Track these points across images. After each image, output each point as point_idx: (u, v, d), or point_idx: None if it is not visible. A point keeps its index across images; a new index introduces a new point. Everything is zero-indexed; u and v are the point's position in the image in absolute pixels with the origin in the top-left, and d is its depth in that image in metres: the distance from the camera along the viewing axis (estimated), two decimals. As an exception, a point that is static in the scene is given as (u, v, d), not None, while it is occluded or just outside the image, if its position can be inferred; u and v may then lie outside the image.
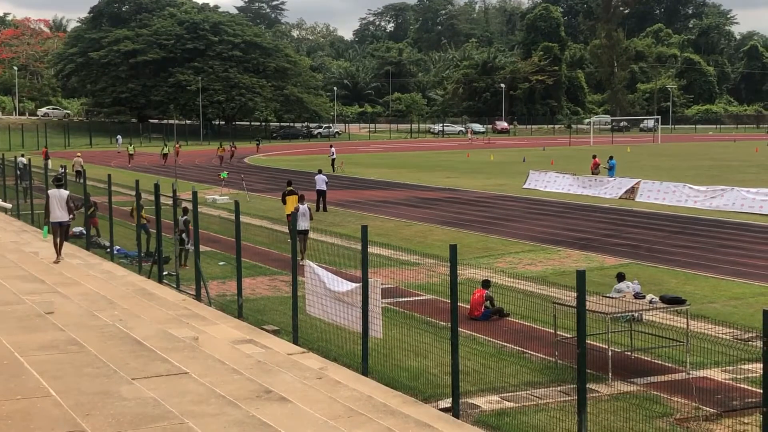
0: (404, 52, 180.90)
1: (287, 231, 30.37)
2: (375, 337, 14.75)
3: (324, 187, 39.58)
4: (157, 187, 23.58)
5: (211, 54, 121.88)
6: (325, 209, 39.24)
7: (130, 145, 77.24)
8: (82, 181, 38.79)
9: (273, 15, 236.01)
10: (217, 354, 12.51)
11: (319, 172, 41.23)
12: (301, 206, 26.82)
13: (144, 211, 26.49)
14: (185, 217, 25.41)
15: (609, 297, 16.54)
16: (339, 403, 10.81)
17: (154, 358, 11.59)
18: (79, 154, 58.47)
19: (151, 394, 9.79)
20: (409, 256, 27.57)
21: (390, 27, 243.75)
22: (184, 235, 25.39)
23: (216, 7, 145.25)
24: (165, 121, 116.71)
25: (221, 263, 25.75)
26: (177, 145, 70.38)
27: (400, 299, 21.13)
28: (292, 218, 26.70)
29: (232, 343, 14.09)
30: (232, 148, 77.55)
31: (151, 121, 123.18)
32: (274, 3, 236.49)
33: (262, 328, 17.17)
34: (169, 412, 9.22)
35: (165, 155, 70.94)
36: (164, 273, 23.05)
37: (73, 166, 52.34)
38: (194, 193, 21.43)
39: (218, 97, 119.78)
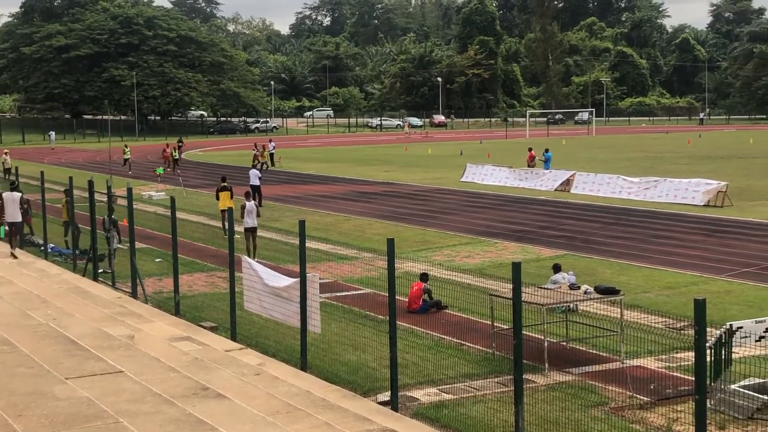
0: (341, 46, 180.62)
1: (221, 227, 30.29)
2: (313, 332, 14.72)
3: (257, 182, 39.29)
4: (90, 183, 23.25)
5: (146, 49, 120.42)
6: (260, 204, 38.99)
7: (126, 148, 63.30)
8: (9, 178, 38.18)
9: (208, 9, 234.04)
10: (153, 352, 12.40)
11: (253, 166, 41.04)
12: (247, 203, 26.48)
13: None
14: (110, 215, 24.89)
15: (545, 288, 16.70)
16: (277, 399, 10.78)
17: (89, 357, 11.45)
18: (6, 151, 57.38)
19: (86, 394, 9.67)
20: (347, 251, 27.57)
21: (327, 21, 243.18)
22: (113, 233, 24.86)
23: (150, 1, 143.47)
24: (99, 117, 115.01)
25: (157, 260, 25.50)
26: (166, 146, 64.87)
27: (339, 294, 21.12)
28: (228, 215, 26.44)
29: (169, 341, 13.96)
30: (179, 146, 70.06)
31: (85, 117, 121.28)
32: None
33: (200, 325, 17.03)
34: (103, 411, 9.11)
35: (126, 161, 61.22)
36: (99, 271, 22.76)
37: (2, 163, 51.44)
38: (129, 190, 21.18)
39: (153, 92, 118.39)
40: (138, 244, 22.45)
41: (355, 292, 21.50)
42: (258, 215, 26.64)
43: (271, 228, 31.76)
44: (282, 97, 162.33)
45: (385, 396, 13.23)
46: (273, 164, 63.32)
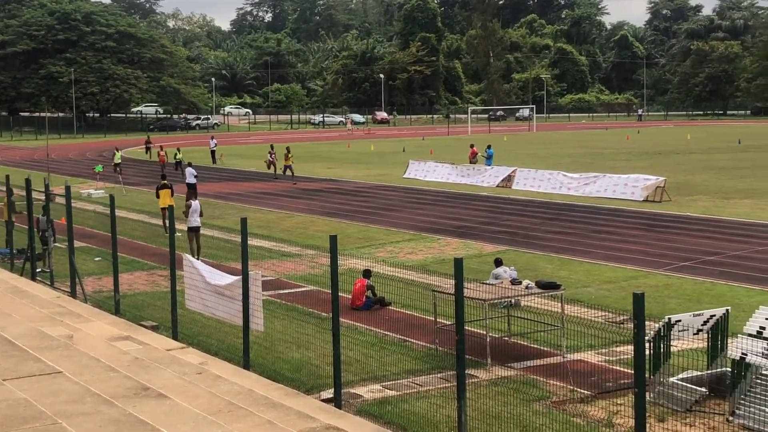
0: (283, 42, 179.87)
1: (162, 225, 30.03)
2: (256, 330, 14.64)
3: (193, 181, 38.94)
4: (28, 182, 22.90)
5: (84, 45, 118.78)
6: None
7: (117, 153, 56.18)
8: None
9: (147, 5, 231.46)
10: (92, 352, 12.23)
11: (189, 165, 40.71)
12: (192, 202, 26.10)
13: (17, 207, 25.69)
14: (47, 214, 24.44)
15: (487, 283, 16.79)
16: (219, 398, 10.69)
17: (27, 357, 11.26)
18: None
19: (23, 395, 9.51)
20: (290, 248, 27.47)
21: (268, 17, 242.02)
22: (47, 234, 24.43)
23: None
24: (37, 114, 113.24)
25: (97, 259, 25.20)
26: (160, 148, 59.13)
27: (282, 291, 21.03)
28: (169, 213, 26.18)
29: (109, 340, 13.78)
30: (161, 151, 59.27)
31: (22, 114, 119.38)
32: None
33: (140, 324, 16.84)
34: (41, 412, 8.97)
35: (117, 165, 53.71)
36: (38, 270, 22.41)
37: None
38: (67, 188, 20.88)
39: (92, 88, 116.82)
40: (77, 243, 22.15)
41: (298, 290, 21.43)
42: (201, 214, 26.31)
43: (213, 226, 31.52)
44: (223, 93, 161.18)
45: (329, 393, 13.21)
46: (214, 161, 62.89)
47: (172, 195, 30.33)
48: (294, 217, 34.98)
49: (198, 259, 21.37)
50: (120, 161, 54.34)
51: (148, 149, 70.59)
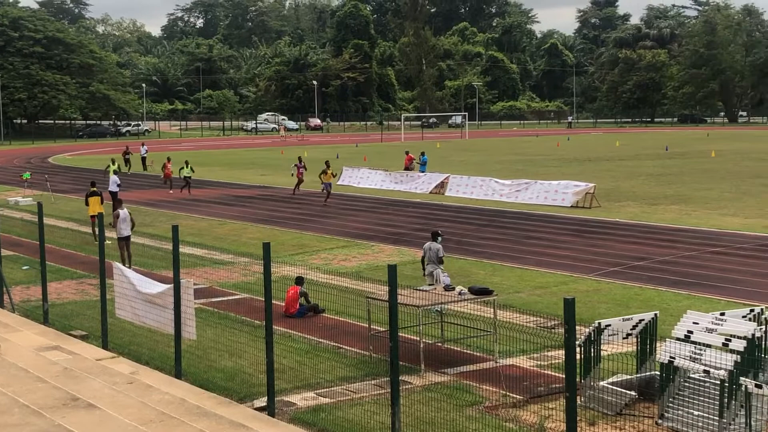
0: (215, 48, 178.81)
1: (91, 233, 29.62)
2: (188, 338, 14.50)
3: (116, 189, 38.31)
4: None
5: (11, 50, 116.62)
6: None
7: (113, 164, 48.12)
8: None
9: (76, 10, 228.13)
10: (20, 362, 12.01)
11: (114, 173, 40.19)
12: (121, 211, 25.57)
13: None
14: None
15: (421, 290, 16.85)
16: (150, 408, 10.58)
17: (-48, 369, 11.03)
18: None
19: (-52, 408, 9.31)
20: (222, 255, 27.27)
21: (199, 23, 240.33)
22: None
23: (16, 2, 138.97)
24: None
25: (25, 267, 24.75)
26: (167, 161, 49.56)
27: (214, 299, 20.87)
28: (99, 221, 25.79)
29: (37, 351, 13.56)
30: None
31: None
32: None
33: (70, 334, 16.60)
34: (-33, 425, 8.79)
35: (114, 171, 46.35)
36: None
37: None
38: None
39: (19, 95, 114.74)
40: (4, 252, 21.74)
41: (231, 298, 21.28)
42: (133, 224, 25.84)
43: (143, 234, 31.15)
44: (154, 99, 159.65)
45: (262, 402, 13.14)
46: (145, 168, 62.24)
47: (101, 203, 29.92)
48: (227, 224, 34.75)
49: (129, 268, 21.11)
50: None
51: (127, 160, 62.18)
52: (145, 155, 63.56)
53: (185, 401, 11.32)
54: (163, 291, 14.97)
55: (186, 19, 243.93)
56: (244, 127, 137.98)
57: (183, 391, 12.37)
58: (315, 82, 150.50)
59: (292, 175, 47.29)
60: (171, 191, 46.76)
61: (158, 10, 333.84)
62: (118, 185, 38.71)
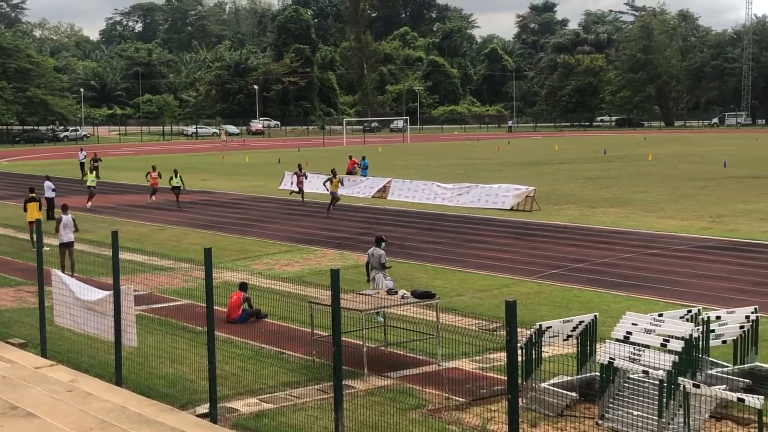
0: (154, 52, 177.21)
1: (29, 239, 29.16)
2: (129, 345, 14.36)
3: (51, 195, 37.78)
4: None
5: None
6: (50, 217, 37.36)
7: (92, 173, 46.07)
8: None
9: (13, 14, 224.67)
10: (-44, 372, 11.80)
11: (47, 178, 39.59)
12: (64, 216, 25.12)
13: None
14: None
15: (364, 294, 16.86)
16: (90, 416, 10.46)
17: None
18: None
19: None
20: (163, 261, 27.04)
21: (138, 27, 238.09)
22: None
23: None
24: None
25: (-40, 275, 24.30)
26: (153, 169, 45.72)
27: (155, 306, 20.68)
28: (36, 227, 25.40)
29: (-26, 360, 13.34)
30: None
31: None
32: (14, 2, 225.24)
33: (8, 342, 16.34)
34: None
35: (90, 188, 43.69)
36: None
37: None
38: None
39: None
40: (-62, 260, 21.33)
41: (172, 304, 21.11)
42: (76, 229, 25.44)
43: (83, 240, 30.75)
44: (92, 104, 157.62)
45: (204, 408, 13.06)
46: (83, 174, 61.42)
47: (40, 209, 29.50)
48: (167, 229, 34.45)
49: (72, 275, 20.82)
50: (94, 184, 44.41)
51: (96, 168, 54.23)
52: (83, 161, 62.73)
53: (126, 409, 11.21)
54: (102, 298, 14.81)
55: (125, 23, 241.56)
56: (185, 132, 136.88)
57: (124, 399, 12.25)
58: (256, 87, 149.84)
59: (291, 183, 45.93)
60: (153, 198, 44.20)
61: (96, 15, 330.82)
62: (53, 190, 38.18)
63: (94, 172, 45.29)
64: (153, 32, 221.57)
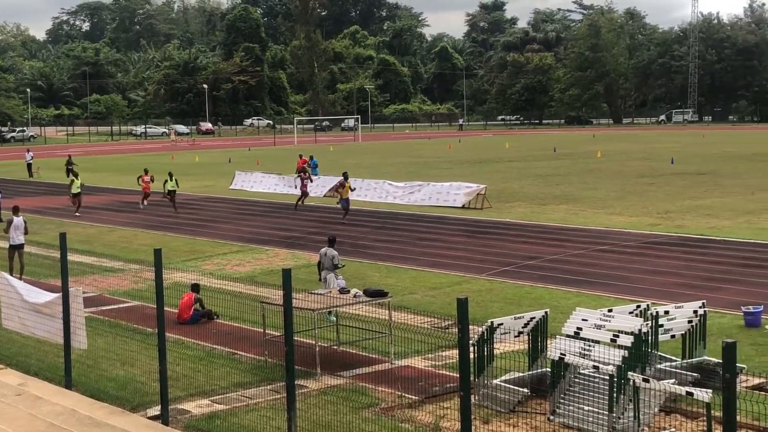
0: (101, 52, 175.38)
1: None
2: (78, 348, 14.21)
3: None
4: None
5: None
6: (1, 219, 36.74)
7: (77, 179, 41.17)
8: None
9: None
10: None
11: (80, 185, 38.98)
12: (15, 218, 24.68)
13: None
14: None
15: (316, 293, 16.83)
16: (40, 419, 10.34)
17: None
18: None
19: None
20: (112, 263, 26.77)
21: (86, 26, 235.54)
22: None
23: None
24: None
25: None
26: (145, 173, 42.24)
27: (105, 307, 20.48)
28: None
29: None
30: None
31: None
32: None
33: (-47, 347, 16.08)
34: None
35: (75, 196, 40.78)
36: None
37: None
38: None
39: None
40: None
41: (122, 305, 20.92)
42: (26, 231, 25.03)
43: (30, 242, 30.31)
44: (39, 105, 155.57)
45: (156, 410, 12.96)
46: (31, 175, 60.68)
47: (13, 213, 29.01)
48: (117, 230, 34.13)
49: (21, 278, 20.54)
50: (79, 190, 40.87)
51: (70, 170, 50.35)
52: (30, 161, 61.92)
53: (76, 412, 11.10)
54: (51, 300, 14.63)
55: (72, 22, 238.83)
56: (134, 132, 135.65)
57: (74, 402, 12.12)
58: (205, 86, 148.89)
59: (295, 187, 42.39)
60: (144, 203, 41.14)
61: (43, 14, 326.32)
62: (0, 192, 37.68)
63: (78, 178, 41.00)
64: (100, 31, 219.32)
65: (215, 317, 19.13)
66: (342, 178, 36.49)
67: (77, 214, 39.09)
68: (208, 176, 58.42)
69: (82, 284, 20.78)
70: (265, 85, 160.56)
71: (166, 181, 40.45)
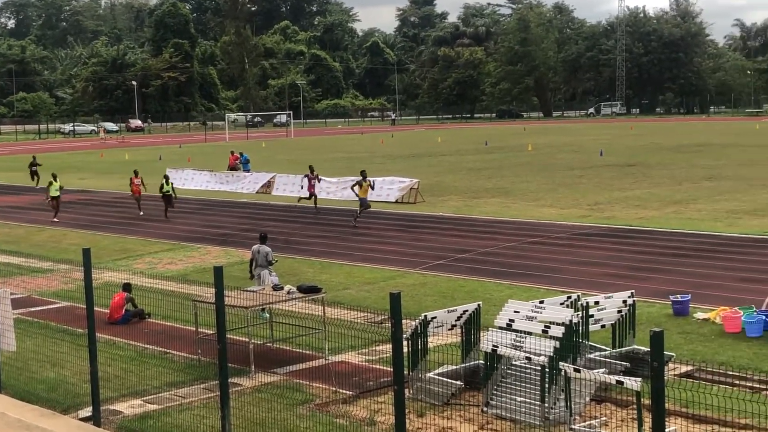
0: (27, 49, 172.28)
1: None
2: (7, 350, 13.98)
3: None
4: None
5: None
6: None
7: (55, 181, 37.29)
8: None
9: None
10: None
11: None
12: None
13: None
14: None
15: (249, 291, 16.74)
16: (-33, 425, 10.14)
17: None
18: None
19: None
20: (41, 263, 26.33)
21: (11, 24, 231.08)
22: None
23: None
24: None
25: None
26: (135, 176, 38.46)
27: (34, 309, 20.14)
28: None
29: None
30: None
31: None
32: None
33: None
34: None
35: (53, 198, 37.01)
36: None
37: None
38: None
39: None
40: None
41: (51, 306, 20.59)
42: None
43: (-45, 243, 29.77)
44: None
45: (87, 412, 12.79)
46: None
47: None
48: (45, 230, 33.57)
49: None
50: (58, 194, 37.28)
51: (34, 174, 50.96)
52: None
53: (5, 415, 10.90)
54: (-23, 302, 14.34)
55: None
56: (62, 130, 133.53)
57: (3, 405, 11.90)
58: (134, 83, 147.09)
59: (302, 188, 38.93)
60: (141, 212, 37.55)
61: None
62: None
63: (57, 180, 37.26)
64: (26, 28, 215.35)
65: (147, 317, 18.95)
66: (360, 177, 33.43)
67: (55, 219, 35.88)
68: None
69: (10, 285, 20.44)
70: (196, 81, 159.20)
71: (162, 185, 37.01)
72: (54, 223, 35.44)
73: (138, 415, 13.12)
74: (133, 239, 30.86)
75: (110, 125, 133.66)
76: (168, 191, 36.76)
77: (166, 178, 37.86)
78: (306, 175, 37.55)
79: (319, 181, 37.77)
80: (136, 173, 38.86)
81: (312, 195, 37.06)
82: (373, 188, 34.87)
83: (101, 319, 16.89)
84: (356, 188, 33.29)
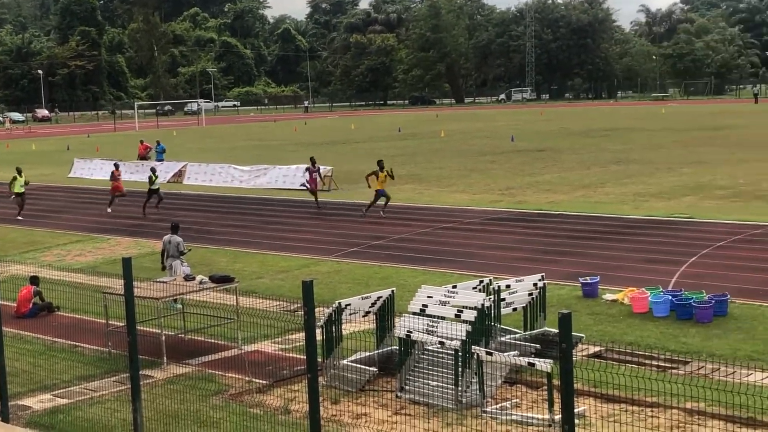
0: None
1: None
2: None
3: None
4: None
5: None
6: None
7: (19, 176, 34.60)
8: None
9: None
10: None
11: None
12: None
13: None
14: None
15: (160, 282, 16.53)
16: None
17: None
18: None
19: None
20: (-56, 258, 25.60)
21: None
22: None
23: None
24: None
25: None
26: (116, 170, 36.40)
27: (-63, 305, 19.58)
28: None
29: None
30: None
31: None
32: None
33: None
34: None
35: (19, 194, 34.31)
36: None
37: None
38: None
39: None
40: None
41: (-45, 302, 20.04)
42: None
43: None
44: None
45: (-5, 408, 12.50)
46: None
47: None
48: (-52, 224, 32.65)
49: None
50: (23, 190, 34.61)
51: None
52: None
53: None
54: None
55: None
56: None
57: None
58: (40, 72, 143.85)
59: (305, 186, 34.91)
60: (109, 209, 34.64)
61: None
62: None
63: (22, 175, 34.63)
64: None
65: (56, 310, 18.61)
66: (377, 167, 31.11)
67: (19, 218, 33.46)
68: (46, 165, 56.49)
69: None
70: (104, 69, 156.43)
71: (150, 177, 34.70)
72: (19, 221, 33.35)
73: (48, 410, 12.89)
74: (41, 231, 30.24)
75: (16, 115, 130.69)
76: (156, 187, 34.45)
77: (153, 170, 35.61)
78: (307, 168, 34.34)
79: (320, 176, 35.23)
80: (116, 166, 36.94)
81: (314, 189, 33.85)
82: (393, 178, 31.61)
83: (9, 313, 16.52)
84: (370, 179, 31.09)
